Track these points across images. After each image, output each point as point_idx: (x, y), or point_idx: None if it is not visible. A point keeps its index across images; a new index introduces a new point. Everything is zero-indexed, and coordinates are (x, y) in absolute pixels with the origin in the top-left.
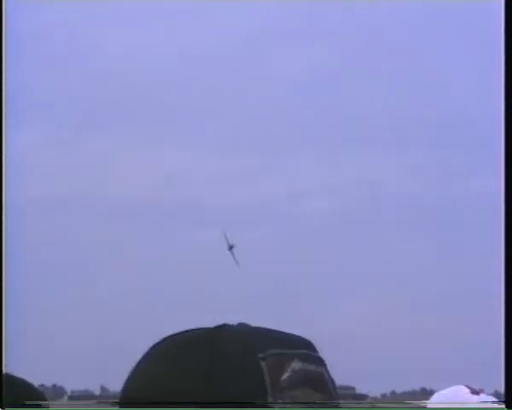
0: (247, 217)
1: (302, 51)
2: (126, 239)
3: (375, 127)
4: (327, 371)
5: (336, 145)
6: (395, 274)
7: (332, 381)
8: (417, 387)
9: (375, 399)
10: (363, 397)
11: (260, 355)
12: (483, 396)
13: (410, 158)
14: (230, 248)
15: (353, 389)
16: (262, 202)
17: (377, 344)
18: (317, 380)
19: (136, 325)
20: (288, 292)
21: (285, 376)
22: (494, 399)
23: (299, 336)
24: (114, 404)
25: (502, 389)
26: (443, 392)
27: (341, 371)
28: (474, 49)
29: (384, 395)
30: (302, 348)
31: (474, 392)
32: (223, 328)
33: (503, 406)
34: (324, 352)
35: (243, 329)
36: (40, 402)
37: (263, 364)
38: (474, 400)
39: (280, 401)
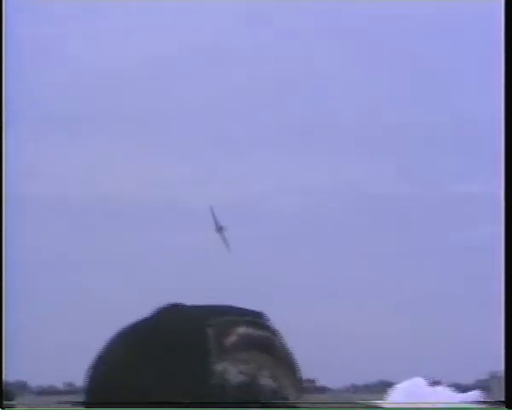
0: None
1: (274, 50)
2: (112, 239)
3: (354, 129)
4: (279, 339)
5: (316, 146)
6: (370, 274)
7: (286, 349)
8: (376, 379)
9: (336, 391)
10: (324, 390)
11: (207, 323)
12: (441, 388)
13: (391, 161)
14: (219, 229)
15: (311, 381)
16: (236, 202)
17: (340, 338)
18: (265, 344)
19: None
20: (261, 290)
21: (231, 340)
22: (451, 390)
23: (250, 309)
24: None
25: (460, 381)
26: (402, 384)
27: (304, 364)
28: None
29: (346, 388)
30: (251, 315)
31: (432, 384)
32: (171, 308)
33: (504, 406)
34: (290, 345)
35: (192, 306)
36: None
37: (209, 330)
38: (432, 391)
39: (225, 362)
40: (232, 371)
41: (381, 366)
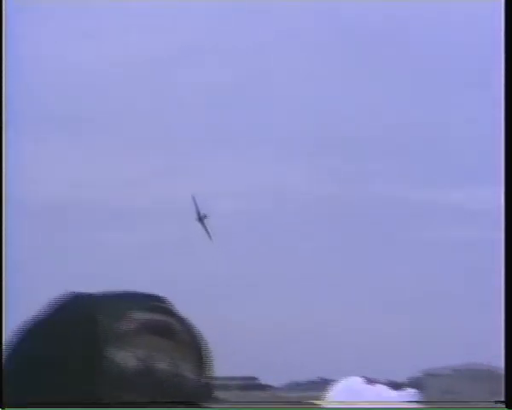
0: (154, 217)
1: (214, 57)
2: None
3: (287, 132)
4: (179, 322)
5: (248, 148)
6: (309, 272)
7: (188, 333)
8: (316, 377)
9: (278, 389)
10: (266, 387)
11: (97, 310)
12: (378, 386)
13: (320, 163)
14: (200, 219)
15: (257, 379)
16: (167, 202)
17: (280, 337)
18: (163, 329)
19: None
20: (195, 290)
21: (127, 326)
22: (389, 388)
23: (148, 293)
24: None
25: (397, 379)
26: (340, 383)
27: (246, 363)
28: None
29: (287, 385)
30: (149, 300)
31: (369, 382)
32: (66, 298)
33: (503, 406)
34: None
35: (87, 294)
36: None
37: (99, 317)
38: (369, 389)
39: (122, 350)
40: (129, 358)
41: (322, 363)
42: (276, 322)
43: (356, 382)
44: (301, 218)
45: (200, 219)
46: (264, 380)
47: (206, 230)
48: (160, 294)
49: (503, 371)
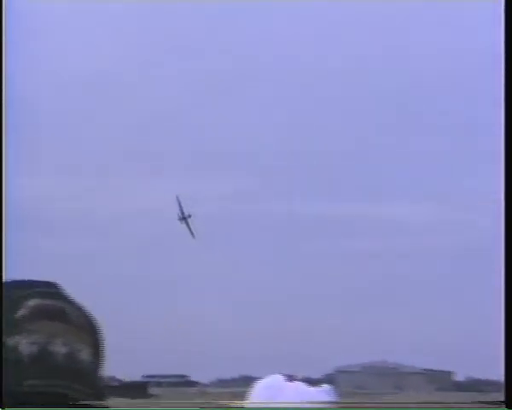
0: (80, 231)
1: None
2: None
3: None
4: (72, 306)
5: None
6: (221, 278)
7: (82, 316)
8: (239, 375)
9: (205, 385)
10: (195, 384)
11: None
12: (297, 383)
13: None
14: (183, 218)
15: (187, 376)
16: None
17: (209, 336)
18: (57, 313)
19: None
20: (121, 295)
21: (21, 313)
22: (306, 385)
23: (40, 280)
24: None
25: (311, 375)
26: (263, 380)
27: (175, 361)
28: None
29: (213, 382)
30: (41, 286)
31: (289, 379)
32: None
33: (504, 406)
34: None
35: None
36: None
37: None
38: (289, 386)
39: (16, 335)
40: (24, 343)
41: (245, 361)
42: (204, 325)
43: (277, 379)
44: (213, 230)
45: (184, 218)
46: (193, 377)
47: (190, 229)
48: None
49: (406, 368)
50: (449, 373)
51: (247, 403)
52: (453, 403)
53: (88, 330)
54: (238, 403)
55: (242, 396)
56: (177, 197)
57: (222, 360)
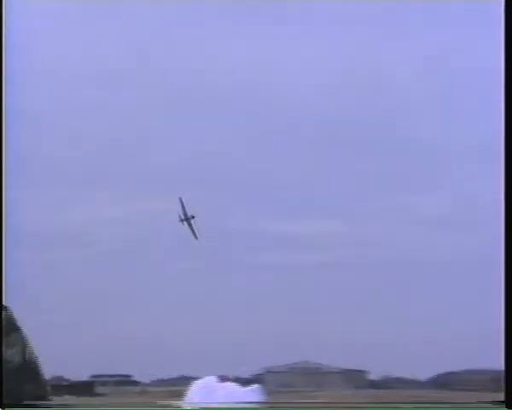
0: (48, 241)
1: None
2: None
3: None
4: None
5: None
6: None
7: (10, 319)
8: (177, 375)
9: (147, 384)
10: (137, 383)
11: None
12: (228, 383)
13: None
14: (187, 219)
15: (130, 376)
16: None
17: (150, 340)
18: None
19: None
20: (79, 299)
21: None
22: (238, 385)
23: None
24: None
25: (241, 375)
26: (199, 381)
27: (122, 363)
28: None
29: (154, 382)
30: None
31: (221, 380)
32: None
33: (504, 406)
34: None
35: None
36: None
37: None
38: (221, 387)
39: None
40: None
41: (184, 363)
42: (148, 328)
43: (210, 380)
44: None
45: (188, 219)
46: (136, 377)
47: (193, 230)
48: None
49: (326, 368)
50: (364, 372)
51: (184, 402)
52: (453, 403)
53: (16, 333)
54: (176, 401)
55: (180, 395)
56: (181, 199)
57: (161, 361)
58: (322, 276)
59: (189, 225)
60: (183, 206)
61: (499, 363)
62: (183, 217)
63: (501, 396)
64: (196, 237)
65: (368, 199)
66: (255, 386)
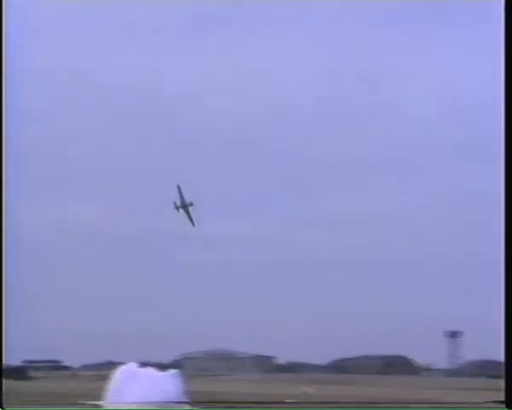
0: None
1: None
2: None
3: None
4: None
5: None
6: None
7: None
8: (103, 360)
9: (76, 369)
10: (67, 368)
11: None
12: (148, 369)
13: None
14: (185, 206)
15: (61, 362)
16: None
17: (80, 329)
18: None
19: None
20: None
21: None
22: (157, 370)
23: None
24: None
25: (162, 360)
26: (121, 367)
27: (50, 348)
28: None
29: (84, 366)
30: None
31: (141, 366)
32: None
33: (503, 406)
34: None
35: None
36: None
37: None
38: (142, 372)
39: None
40: None
41: (109, 349)
42: (77, 318)
43: (131, 366)
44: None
45: (185, 206)
46: (66, 363)
47: (190, 217)
48: None
49: (239, 354)
50: (272, 358)
51: (110, 387)
52: (453, 403)
53: None
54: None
55: (106, 378)
56: (179, 186)
57: (90, 347)
58: (230, 272)
59: (187, 212)
60: (180, 193)
61: (389, 347)
62: (178, 204)
63: (501, 396)
64: (194, 224)
65: (272, 203)
66: (173, 371)
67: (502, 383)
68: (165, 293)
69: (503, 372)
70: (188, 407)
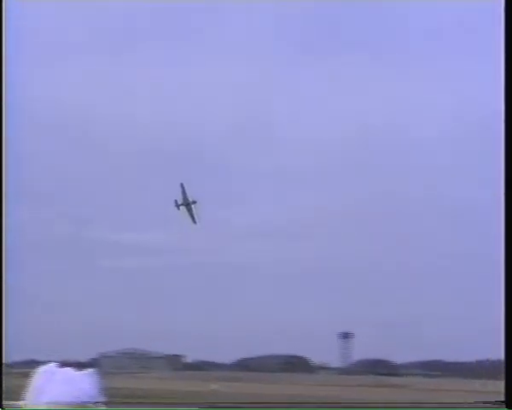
0: None
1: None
2: None
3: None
4: None
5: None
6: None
7: None
8: (28, 358)
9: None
10: (41, 363)
11: None
12: (66, 369)
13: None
14: (188, 204)
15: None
16: None
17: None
18: None
19: None
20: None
21: None
22: (75, 369)
23: None
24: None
25: (80, 359)
26: (42, 367)
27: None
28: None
29: (5, 364)
30: None
31: (61, 365)
32: None
33: (504, 406)
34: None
35: None
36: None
37: None
38: (60, 371)
39: None
40: None
41: (31, 348)
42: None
43: (51, 366)
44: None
45: (188, 204)
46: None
47: (192, 215)
48: None
49: (151, 353)
50: (181, 357)
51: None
52: (453, 403)
53: None
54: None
55: (28, 376)
56: (182, 184)
57: (15, 346)
58: (147, 277)
59: (189, 209)
60: (184, 191)
61: (292, 346)
62: (180, 202)
63: (501, 396)
64: (195, 222)
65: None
66: (90, 370)
67: (389, 380)
68: (83, 299)
69: (392, 371)
70: (103, 406)
